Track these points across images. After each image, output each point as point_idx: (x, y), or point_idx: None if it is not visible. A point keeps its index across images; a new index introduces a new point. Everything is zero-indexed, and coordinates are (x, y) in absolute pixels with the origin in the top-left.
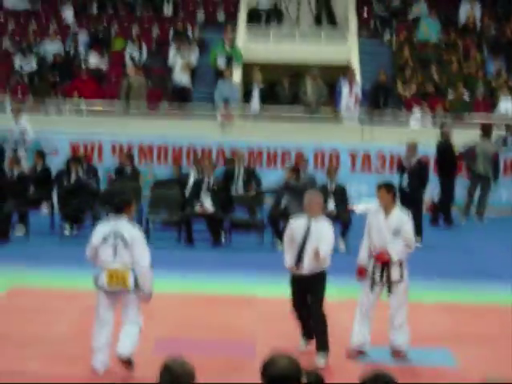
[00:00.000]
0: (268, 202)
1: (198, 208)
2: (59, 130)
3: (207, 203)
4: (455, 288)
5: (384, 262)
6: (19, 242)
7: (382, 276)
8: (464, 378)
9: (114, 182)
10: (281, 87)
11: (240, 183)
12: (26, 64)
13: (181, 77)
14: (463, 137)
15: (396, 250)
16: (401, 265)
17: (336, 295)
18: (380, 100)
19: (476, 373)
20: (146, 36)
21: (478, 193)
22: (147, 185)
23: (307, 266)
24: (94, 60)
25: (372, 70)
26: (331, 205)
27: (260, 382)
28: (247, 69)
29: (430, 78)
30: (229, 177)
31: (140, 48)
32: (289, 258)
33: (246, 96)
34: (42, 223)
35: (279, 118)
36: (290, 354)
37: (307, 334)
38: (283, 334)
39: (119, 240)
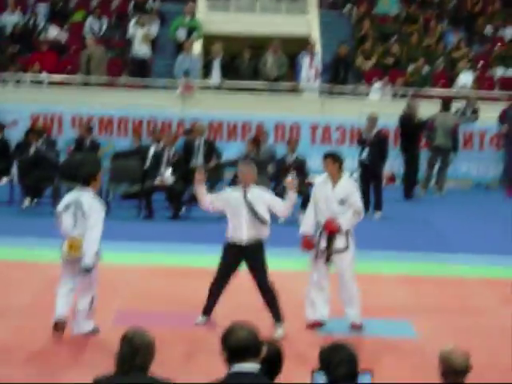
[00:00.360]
0: (228, 175)
1: (157, 180)
2: (18, 102)
3: (167, 175)
4: (415, 260)
5: (332, 231)
6: None
7: (328, 246)
8: (423, 349)
9: (73, 154)
10: (241, 60)
11: (200, 155)
12: None
13: (140, 48)
14: (423, 110)
15: (345, 220)
16: (347, 233)
17: (294, 266)
18: (340, 73)
19: (436, 344)
20: (106, 8)
21: (437, 165)
22: (107, 157)
23: (247, 235)
24: (54, 32)
25: (332, 43)
26: (290, 177)
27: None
28: (208, 41)
29: (390, 51)
30: (189, 149)
31: (100, 19)
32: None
33: (207, 68)
34: (1, 195)
35: (240, 90)
36: (250, 325)
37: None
38: (243, 306)
39: (79, 210)
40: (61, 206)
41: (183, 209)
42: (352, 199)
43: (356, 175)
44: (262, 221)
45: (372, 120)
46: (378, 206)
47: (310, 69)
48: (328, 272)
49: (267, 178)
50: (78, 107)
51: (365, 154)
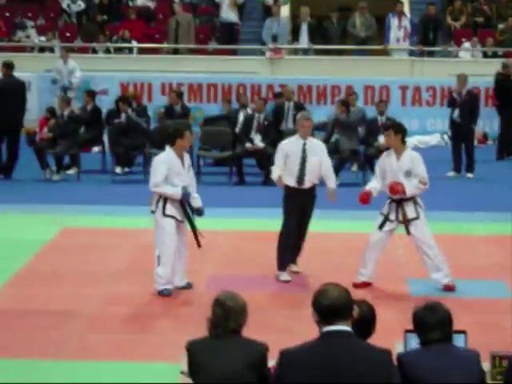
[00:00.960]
0: (318, 137)
1: (248, 145)
2: (108, 70)
3: (257, 140)
4: (508, 220)
5: (396, 192)
6: (71, 182)
7: (397, 214)
8: None
9: (163, 121)
10: (329, 22)
11: (290, 119)
12: (73, 4)
13: (228, 14)
14: None
15: (410, 186)
16: (415, 202)
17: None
18: (429, 33)
19: None
20: None
21: None
22: (197, 123)
23: (308, 182)
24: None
25: (421, 3)
26: (382, 139)
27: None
28: (295, 5)
29: (480, 9)
30: (279, 113)
31: None
32: (277, 172)
33: (295, 32)
34: (94, 163)
35: (328, 53)
36: (341, 286)
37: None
38: (337, 268)
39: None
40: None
41: None
42: (418, 170)
43: (447, 136)
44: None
45: (462, 79)
46: (470, 167)
47: (398, 30)
48: (388, 239)
49: (357, 139)
50: (167, 74)
51: (456, 114)
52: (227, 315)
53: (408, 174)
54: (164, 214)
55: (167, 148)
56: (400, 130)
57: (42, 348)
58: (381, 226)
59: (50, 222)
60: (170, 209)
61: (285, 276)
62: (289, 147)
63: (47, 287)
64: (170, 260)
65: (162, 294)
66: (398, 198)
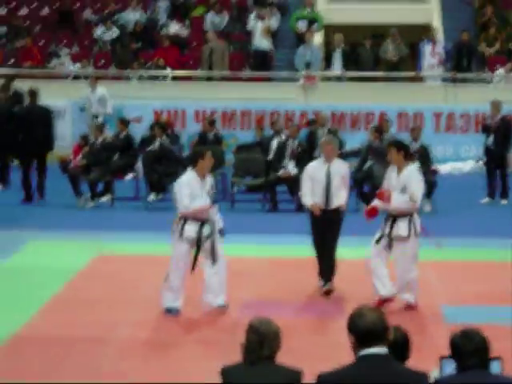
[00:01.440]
0: (351, 164)
1: (281, 172)
2: (142, 98)
3: (291, 167)
4: None
5: (382, 197)
6: (105, 209)
7: (391, 229)
8: None
9: (196, 147)
10: (363, 48)
11: None
12: (107, 32)
13: (261, 41)
14: None
15: (398, 199)
16: (410, 221)
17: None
18: (463, 59)
19: None
20: (226, 2)
21: None
22: (230, 150)
23: (334, 203)
24: (175, 27)
25: (454, 29)
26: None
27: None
28: (328, 32)
29: None
30: (312, 140)
31: (220, 13)
32: (310, 198)
33: (328, 59)
34: (127, 190)
35: (362, 79)
36: (377, 310)
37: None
38: (371, 294)
39: None
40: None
41: None
42: (411, 186)
43: (482, 162)
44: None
45: (496, 106)
46: (504, 193)
47: (432, 56)
48: (387, 258)
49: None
50: (201, 101)
51: (490, 141)
52: (262, 341)
53: (404, 190)
54: (181, 236)
55: (189, 170)
56: (402, 148)
57: (74, 375)
58: (377, 240)
59: (84, 249)
60: (189, 230)
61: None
62: (313, 170)
63: (80, 314)
64: (176, 282)
65: (170, 312)
66: (394, 214)
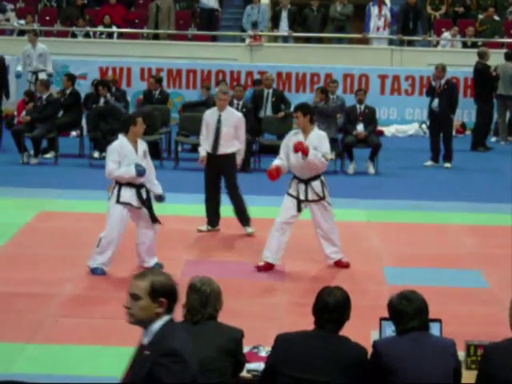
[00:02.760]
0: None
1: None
2: (88, 55)
3: None
4: (484, 210)
5: (298, 149)
6: (49, 166)
7: (306, 194)
8: (495, 299)
9: (142, 105)
10: (309, 10)
11: (269, 106)
12: None
13: (208, 0)
14: (493, 59)
15: (314, 153)
16: (322, 182)
17: (364, 217)
18: (409, 22)
19: (507, 294)
20: None
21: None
22: (175, 108)
23: (222, 148)
24: None
25: None
26: (360, 127)
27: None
28: None
29: (460, 0)
30: (258, 100)
31: None
32: (205, 146)
33: (275, 19)
34: (71, 148)
35: (308, 40)
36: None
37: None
38: (312, 256)
39: None
40: None
41: (252, 160)
42: (322, 147)
43: (426, 125)
44: None
45: (441, 69)
46: (448, 157)
47: (378, 19)
48: (294, 219)
49: (336, 128)
50: (147, 59)
51: (435, 104)
52: (205, 302)
53: (315, 149)
54: (117, 202)
55: (120, 136)
56: (308, 112)
57: (16, 332)
58: (299, 208)
59: (27, 205)
60: (124, 196)
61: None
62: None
63: (22, 270)
64: (110, 246)
65: (95, 272)
66: (305, 178)
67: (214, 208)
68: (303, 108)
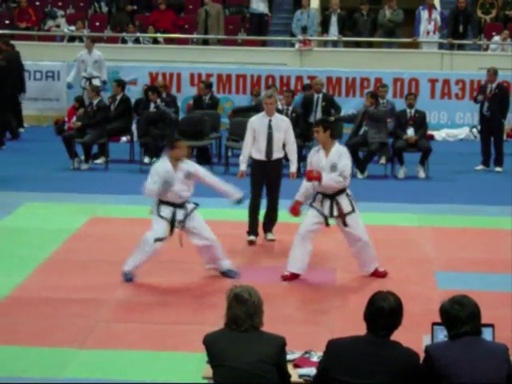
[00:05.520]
0: (347, 130)
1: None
2: (137, 61)
3: None
4: None
5: (310, 178)
6: (99, 171)
7: (331, 210)
8: None
9: (192, 111)
10: (359, 14)
11: (319, 111)
12: None
13: (258, 5)
14: None
15: (328, 176)
16: (348, 195)
17: (415, 222)
18: (459, 26)
19: None
20: None
21: None
22: (226, 113)
23: (275, 154)
24: None
25: None
26: (411, 132)
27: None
28: None
29: (511, 3)
30: (307, 105)
31: None
32: (247, 150)
33: (325, 24)
34: (122, 153)
35: (358, 45)
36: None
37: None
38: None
39: None
40: None
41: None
42: (341, 163)
43: (476, 129)
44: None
45: (493, 73)
46: (499, 161)
47: (428, 23)
48: (317, 227)
49: (386, 132)
50: (197, 65)
51: (485, 108)
52: (253, 312)
53: (333, 168)
54: (158, 215)
55: (164, 157)
56: (329, 127)
57: (68, 337)
58: (326, 223)
59: (78, 211)
60: (165, 211)
61: (250, 237)
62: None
63: (74, 276)
64: (142, 256)
65: (126, 277)
66: (330, 193)
67: (269, 215)
68: (324, 123)
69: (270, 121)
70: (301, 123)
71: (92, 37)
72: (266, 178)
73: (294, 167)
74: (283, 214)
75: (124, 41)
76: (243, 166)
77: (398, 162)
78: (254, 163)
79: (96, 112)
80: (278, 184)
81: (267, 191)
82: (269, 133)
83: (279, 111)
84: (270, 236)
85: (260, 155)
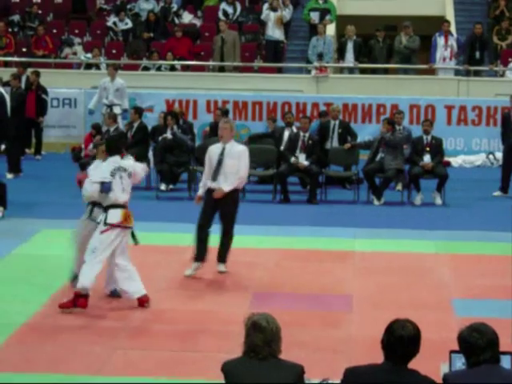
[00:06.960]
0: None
1: (293, 159)
2: (154, 88)
3: (302, 158)
4: None
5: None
6: None
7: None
8: None
9: (208, 138)
10: (375, 41)
11: (335, 137)
12: (120, 22)
13: (274, 32)
14: None
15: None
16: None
17: (433, 248)
18: (476, 52)
19: None
20: None
21: None
22: (242, 140)
23: (223, 185)
24: (188, 17)
25: (467, 22)
26: (427, 158)
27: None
28: (341, 23)
29: None
30: (324, 131)
31: (233, 4)
32: (205, 179)
33: (340, 50)
34: None
35: (374, 71)
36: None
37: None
38: (380, 288)
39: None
40: None
41: (318, 191)
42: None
43: (493, 156)
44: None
45: None
46: None
47: (445, 49)
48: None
49: (403, 158)
50: (213, 92)
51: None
52: (270, 340)
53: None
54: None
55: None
56: None
57: (86, 363)
58: None
59: None
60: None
61: (189, 271)
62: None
63: (90, 304)
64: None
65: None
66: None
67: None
68: None
69: (224, 148)
70: (317, 150)
71: (115, 65)
72: (218, 206)
73: (224, 187)
74: (303, 241)
75: (146, 68)
76: (201, 191)
77: (415, 188)
78: (206, 191)
79: None
80: (231, 212)
81: (219, 219)
82: (219, 159)
83: (296, 136)
84: (220, 268)
85: (211, 183)
